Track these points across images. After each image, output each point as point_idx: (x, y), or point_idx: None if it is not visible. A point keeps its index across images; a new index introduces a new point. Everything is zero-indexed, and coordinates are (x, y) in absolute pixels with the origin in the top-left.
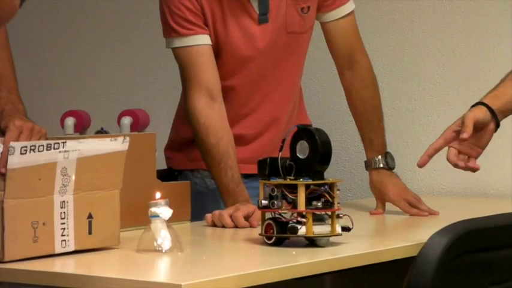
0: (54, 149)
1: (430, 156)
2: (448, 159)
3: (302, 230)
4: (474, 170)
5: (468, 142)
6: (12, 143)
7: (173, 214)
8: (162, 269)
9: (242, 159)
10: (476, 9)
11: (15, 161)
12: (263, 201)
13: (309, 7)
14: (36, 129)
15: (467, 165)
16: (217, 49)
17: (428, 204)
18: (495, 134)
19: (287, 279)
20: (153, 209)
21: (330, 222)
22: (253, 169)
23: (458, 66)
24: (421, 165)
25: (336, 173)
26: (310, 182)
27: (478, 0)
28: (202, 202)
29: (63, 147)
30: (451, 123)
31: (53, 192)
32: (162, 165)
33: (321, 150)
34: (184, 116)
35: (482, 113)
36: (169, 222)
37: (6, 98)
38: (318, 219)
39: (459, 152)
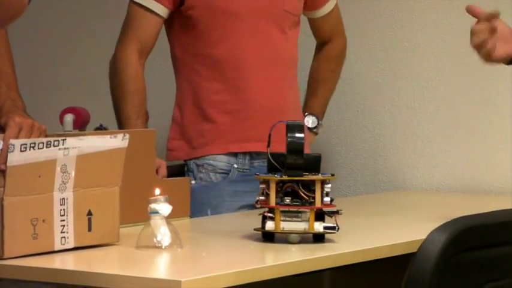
0: (54, 146)
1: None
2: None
3: (270, 225)
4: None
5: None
6: (12, 141)
7: (173, 210)
8: (161, 266)
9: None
10: (476, 5)
11: (14, 158)
12: (256, 197)
13: None
14: (36, 126)
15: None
16: (210, 9)
17: (427, 200)
18: (495, 131)
19: (286, 276)
20: (153, 206)
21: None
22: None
23: (457, 63)
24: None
25: (334, 169)
26: (276, 177)
27: None
28: (207, 195)
29: (62, 144)
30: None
31: (53, 189)
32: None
33: (289, 144)
34: (180, 102)
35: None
36: (168, 218)
37: (6, 94)
38: (294, 216)
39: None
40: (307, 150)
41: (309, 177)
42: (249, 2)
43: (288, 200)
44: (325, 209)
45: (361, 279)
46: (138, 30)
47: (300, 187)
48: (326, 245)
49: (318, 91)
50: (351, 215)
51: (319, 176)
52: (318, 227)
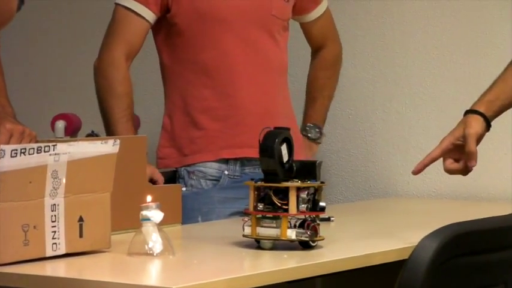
0: (44, 151)
1: (426, 166)
2: (446, 170)
3: (247, 231)
4: (469, 169)
5: (458, 153)
6: (2, 146)
7: (164, 217)
8: (153, 273)
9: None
10: (467, 12)
11: (5, 164)
12: None
13: None
14: (26, 132)
15: (464, 168)
16: (196, 16)
17: (419, 207)
18: (487, 139)
19: (278, 283)
20: (144, 212)
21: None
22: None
23: (449, 69)
24: (415, 172)
25: (326, 175)
26: (252, 183)
27: (469, 3)
28: (197, 202)
29: (53, 150)
30: (448, 134)
31: (44, 195)
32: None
33: (260, 150)
34: (169, 111)
35: (481, 127)
36: (160, 225)
37: None
38: (270, 222)
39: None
40: (300, 156)
41: (283, 183)
42: (236, 7)
43: (261, 206)
44: (321, 216)
45: (353, 285)
46: (125, 34)
47: (272, 193)
48: (318, 252)
49: (317, 99)
50: (342, 222)
51: (295, 183)
52: (291, 234)
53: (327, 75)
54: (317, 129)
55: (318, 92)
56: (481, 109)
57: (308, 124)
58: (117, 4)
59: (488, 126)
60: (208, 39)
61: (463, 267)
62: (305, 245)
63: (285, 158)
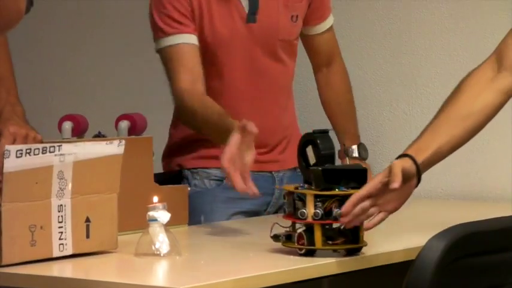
0: (49, 152)
1: (355, 205)
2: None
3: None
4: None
5: (391, 194)
6: (7, 146)
7: (171, 218)
8: (160, 273)
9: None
10: (474, 12)
11: (11, 164)
12: None
13: (297, 16)
14: (30, 136)
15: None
16: (205, 45)
17: (426, 207)
18: (494, 137)
19: (285, 283)
20: (151, 213)
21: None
22: None
23: (455, 69)
24: (345, 213)
25: None
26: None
27: (476, 3)
28: (200, 201)
29: (58, 150)
30: (378, 174)
31: (50, 195)
32: (160, 170)
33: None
34: (175, 119)
35: (408, 164)
36: (167, 226)
37: (5, 99)
38: None
39: (375, 204)
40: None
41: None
42: (242, 34)
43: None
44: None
45: (360, 285)
46: (183, 66)
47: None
48: (325, 252)
49: (351, 115)
50: None
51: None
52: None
53: (346, 89)
54: (365, 147)
55: (348, 105)
56: (411, 153)
57: (357, 145)
58: (160, 49)
59: (418, 172)
60: (213, 65)
61: (471, 268)
62: None
63: (311, 161)
